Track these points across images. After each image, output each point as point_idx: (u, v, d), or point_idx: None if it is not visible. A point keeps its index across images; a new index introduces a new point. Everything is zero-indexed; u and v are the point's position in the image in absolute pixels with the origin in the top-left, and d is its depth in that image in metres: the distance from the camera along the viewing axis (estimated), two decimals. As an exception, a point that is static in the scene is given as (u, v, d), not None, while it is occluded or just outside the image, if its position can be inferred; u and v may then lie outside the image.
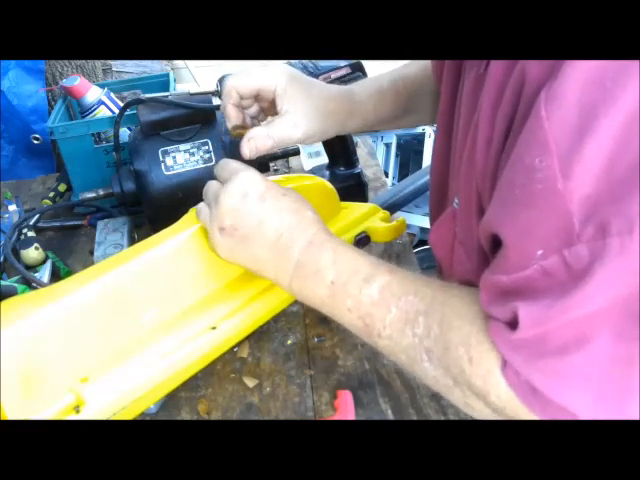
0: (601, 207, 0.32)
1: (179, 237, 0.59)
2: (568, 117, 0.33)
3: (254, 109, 0.64)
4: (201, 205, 0.58)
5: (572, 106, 0.33)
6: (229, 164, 0.57)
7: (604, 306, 0.34)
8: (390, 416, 0.59)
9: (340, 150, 0.87)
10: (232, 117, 0.61)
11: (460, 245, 0.50)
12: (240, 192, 0.53)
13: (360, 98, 0.66)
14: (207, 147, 0.81)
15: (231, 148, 0.80)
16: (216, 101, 0.82)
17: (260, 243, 0.53)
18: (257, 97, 0.62)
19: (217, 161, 0.81)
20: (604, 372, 0.35)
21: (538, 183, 0.34)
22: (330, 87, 0.65)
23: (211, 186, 0.57)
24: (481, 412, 0.43)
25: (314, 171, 0.92)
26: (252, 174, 0.55)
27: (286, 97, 0.59)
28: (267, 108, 0.64)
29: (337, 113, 0.63)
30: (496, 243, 0.40)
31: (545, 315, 0.35)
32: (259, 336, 0.69)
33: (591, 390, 0.36)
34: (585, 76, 0.33)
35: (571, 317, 0.35)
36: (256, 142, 0.58)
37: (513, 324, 0.37)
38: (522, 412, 0.39)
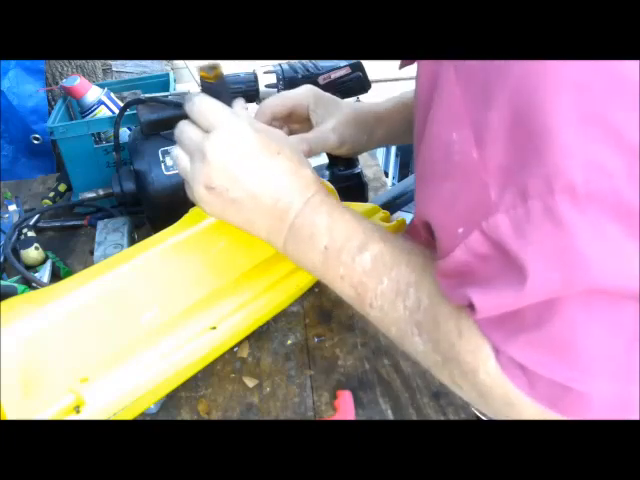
0: (515, 174, 0.31)
1: (179, 237, 0.59)
2: (476, 87, 0.33)
3: (284, 132, 0.66)
4: (178, 152, 0.51)
5: (477, 74, 0.33)
6: (210, 106, 0.50)
7: (556, 269, 0.31)
8: (390, 416, 0.59)
9: (340, 150, 0.87)
10: None
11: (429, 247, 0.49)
12: (230, 149, 0.48)
13: (385, 107, 0.70)
14: (207, 147, 0.81)
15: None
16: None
17: (254, 207, 0.49)
18: (289, 118, 0.65)
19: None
20: (589, 336, 0.33)
21: (455, 155, 0.34)
22: (354, 102, 0.70)
23: (188, 132, 0.50)
24: (468, 393, 0.41)
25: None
26: (242, 126, 0.49)
27: (319, 110, 0.64)
28: (297, 130, 0.67)
29: (366, 121, 0.67)
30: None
31: (499, 300, 0.34)
32: (259, 336, 0.69)
33: (579, 357, 0.34)
34: None
35: (529, 292, 0.33)
36: None
37: (472, 307, 0.36)
38: (511, 392, 0.37)
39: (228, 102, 0.52)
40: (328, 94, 0.67)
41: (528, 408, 0.38)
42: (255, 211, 0.49)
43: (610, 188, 0.29)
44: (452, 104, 0.34)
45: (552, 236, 0.31)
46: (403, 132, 0.70)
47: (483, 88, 0.33)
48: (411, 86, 0.74)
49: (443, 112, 0.36)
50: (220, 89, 0.53)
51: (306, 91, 0.65)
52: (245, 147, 0.49)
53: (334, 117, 0.64)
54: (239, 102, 0.54)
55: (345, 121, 0.65)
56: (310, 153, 0.62)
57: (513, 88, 0.31)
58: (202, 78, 0.53)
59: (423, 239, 0.46)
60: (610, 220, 0.29)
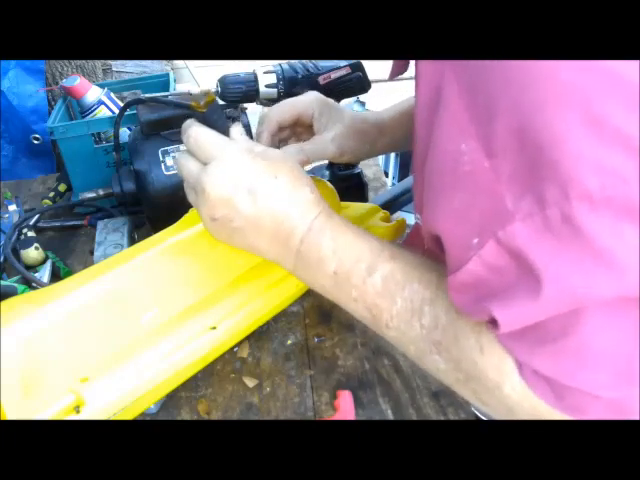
0: (529, 182, 0.31)
1: (179, 237, 0.59)
2: (478, 98, 0.33)
3: (286, 134, 0.68)
4: (185, 186, 0.53)
5: (479, 86, 0.33)
6: (205, 137, 0.50)
7: (579, 276, 0.31)
8: (390, 416, 0.59)
9: (340, 150, 0.87)
10: (264, 144, 0.62)
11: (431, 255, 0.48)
12: (227, 179, 0.48)
13: (388, 116, 0.70)
14: (207, 147, 0.81)
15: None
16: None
17: (258, 234, 0.49)
18: (295, 124, 0.66)
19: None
20: (615, 343, 0.33)
21: (465, 165, 0.34)
22: (356, 112, 0.70)
23: (187, 166, 0.51)
24: (495, 409, 0.41)
25: (314, 171, 0.92)
26: (237, 154, 0.49)
27: (322, 119, 0.65)
28: (301, 133, 0.68)
29: (368, 132, 0.67)
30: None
31: (521, 313, 0.34)
32: (259, 336, 0.69)
33: (606, 365, 0.34)
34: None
35: (547, 302, 0.32)
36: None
37: (494, 322, 0.36)
38: (539, 405, 0.37)
39: (223, 128, 0.52)
40: (333, 102, 0.67)
41: (557, 419, 0.37)
42: (259, 238, 0.50)
43: (625, 192, 0.29)
44: (457, 116, 0.34)
45: (572, 243, 0.30)
46: (406, 141, 0.70)
47: (486, 100, 0.33)
48: (411, 86, 0.74)
49: (449, 124, 0.35)
50: (213, 116, 0.52)
51: (311, 98, 0.66)
52: (241, 175, 0.48)
53: (335, 127, 0.65)
54: (236, 127, 0.53)
55: (346, 132, 0.65)
56: (307, 163, 0.62)
57: (515, 99, 0.31)
58: (193, 108, 0.52)
59: (425, 248, 0.45)
60: (628, 224, 0.29)
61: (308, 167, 0.95)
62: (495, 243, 0.33)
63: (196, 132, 0.51)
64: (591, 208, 0.29)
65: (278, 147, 0.66)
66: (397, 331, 0.45)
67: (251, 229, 0.49)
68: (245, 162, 0.49)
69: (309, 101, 0.65)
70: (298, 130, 0.68)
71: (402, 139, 0.70)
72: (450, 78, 0.36)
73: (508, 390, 0.38)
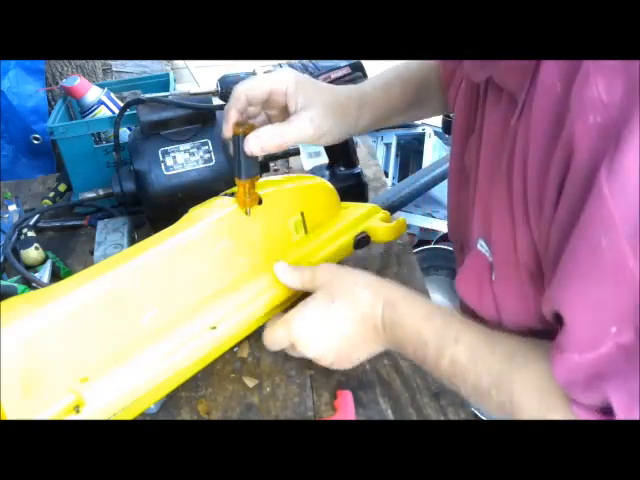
0: None
1: (179, 237, 0.59)
2: (632, 195, 0.33)
3: (261, 118, 0.63)
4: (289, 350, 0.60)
5: (635, 183, 0.33)
6: (278, 333, 0.57)
7: None
8: (390, 416, 0.59)
9: (340, 150, 0.87)
10: (232, 120, 0.58)
11: (502, 287, 0.48)
12: (314, 342, 0.55)
13: (369, 90, 0.66)
14: (207, 147, 0.81)
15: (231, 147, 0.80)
16: (216, 101, 0.82)
17: (360, 351, 0.56)
18: (266, 103, 0.61)
19: (217, 161, 0.81)
20: None
21: (607, 261, 0.34)
22: (337, 86, 0.66)
23: (275, 343, 0.58)
24: None
25: (314, 171, 0.92)
26: (305, 322, 0.56)
27: (299, 96, 0.59)
28: (275, 116, 0.63)
29: (348, 109, 0.63)
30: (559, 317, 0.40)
31: (635, 393, 0.35)
32: (259, 336, 0.69)
33: None
34: None
35: None
36: (261, 140, 0.56)
37: (604, 408, 0.37)
38: None
39: (250, 157, 0.58)
40: (310, 78, 0.62)
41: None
42: (363, 352, 0.57)
43: None
44: (602, 208, 0.34)
45: None
46: (387, 118, 0.68)
47: None
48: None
49: (590, 214, 0.35)
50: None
51: (285, 75, 0.59)
52: (322, 330, 0.55)
53: (313, 106, 0.59)
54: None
55: (324, 112, 0.59)
56: (284, 147, 0.58)
57: None
58: (234, 133, 0.58)
59: (480, 295, 0.49)
60: None
61: (308, 167, 0.96)
62: (635, 334, 0.35)
63: (269, 335, 0.58)
64: None
65: (245, 125, 0.60)
66: (475, 402, 0.50)
67: (353, 350, 0.56)
68: (313, 318, 0.55)
69: (283, 78, 0.59)
70: (270, 112, 0.63)
71: (383, 115, 0.67)
72: (586, 148, 0.35)
73: None
